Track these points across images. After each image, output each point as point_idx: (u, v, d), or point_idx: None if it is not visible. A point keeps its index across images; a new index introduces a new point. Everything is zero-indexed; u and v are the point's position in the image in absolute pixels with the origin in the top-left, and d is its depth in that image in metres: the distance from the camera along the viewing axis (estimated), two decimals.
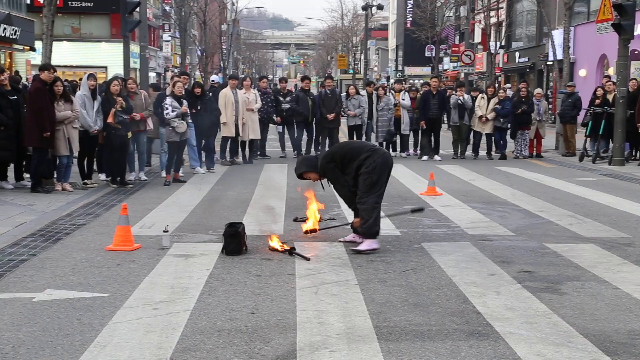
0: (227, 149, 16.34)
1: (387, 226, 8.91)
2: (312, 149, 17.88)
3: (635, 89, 16.88)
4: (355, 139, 17.71)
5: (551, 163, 17.20)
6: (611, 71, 28.46)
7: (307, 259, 7.02)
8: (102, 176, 13.06)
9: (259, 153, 17.65)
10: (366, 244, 7.43)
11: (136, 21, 18.78)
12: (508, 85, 40.51)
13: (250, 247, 7.45)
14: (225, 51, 60.93)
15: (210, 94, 15.76)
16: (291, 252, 7.23)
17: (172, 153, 12.99)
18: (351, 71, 69.89)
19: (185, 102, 13.08)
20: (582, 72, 34.52)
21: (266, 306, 5.49)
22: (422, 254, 7.35)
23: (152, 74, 44.99)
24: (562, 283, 6.22)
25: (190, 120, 13.52)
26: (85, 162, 12.44)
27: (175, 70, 47.26)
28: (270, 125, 18.35)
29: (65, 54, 36.78)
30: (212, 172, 14.69)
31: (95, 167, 13.14)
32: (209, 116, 14.66)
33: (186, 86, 14.67)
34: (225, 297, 5.73)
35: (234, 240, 7.25)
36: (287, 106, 17.56)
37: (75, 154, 11.95)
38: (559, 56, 24.77)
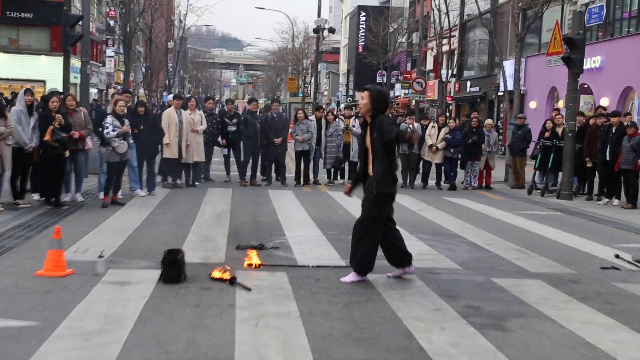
0: (169, 171, 16.19)
1: (332, 256, 8.92)
2: (258, 174, 17.85)
3: (584, 123, 17.35)
4: (302, 165, 17.75)
5: (500, 195, 17.49)
6: (561, 104, 29.24)
7: (249, 289, 6.97)
8: (36, 196, 12.78)
9: (202, 176, 17.54)
10: (353, 277, 7.48)
11: (78, 35, 18.57)
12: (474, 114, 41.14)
13: (190, 276, 7.36)
14: (171, 69, 60.61)
15: (156, 114, 15.65)
16: (232, 281, 7.17)
17: (112, 174, 12.82)
18: (301, 94, 70.21)
19: (127, 122, 12.95)
20: (532, 104, 35.35)
21: (203, 339, 5.41)
22: (367, 286, 7.37)
23: (93, 90, 44.42)
24: (507, 319, 6.30)
25: (131, 141, 13.38)
26: (18, 181, 12.17)
27: (118, 88, 46.77)
28: (216, 147, 18.27)
29: (2, 65, 36.08)
30: (152, 195, 14.53)
31: (28, 186, 12.86)
32: (152, 137, 14.52)
33: (129, 105, 14.53)
34: (161, 328, 5.64)
35: (173, 268, 7.17)
36: (233, 128, 17.53)
37: (8, 171, 11.69)
38: (510, 87, 25.32)
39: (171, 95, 22.03)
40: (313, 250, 9.31)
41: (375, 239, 7.49)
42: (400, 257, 7.71)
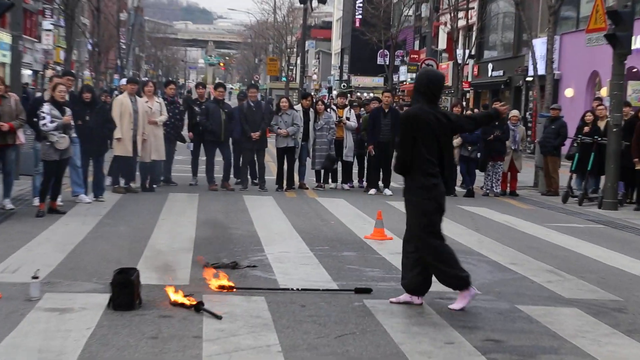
0: (122, 173, 16.18)
1: (320, 277, 8.94)
2: (232, 177, 17.86)
3: (632, 116, 17.42)
4: (286, 164, 17.77)
5: (528, 203, 17.55)
6: (603, 92, 29.40)
7: (219, 317, 6.97)
8: None
9: (162, 178, 17.52)
10: (461, 300, 7.65)
11: (7, 3, 18.49)
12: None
13: (146, 300, 7.36)
14: (124, 47, 60.60)
15: (106, 101, 15.66)
16: (198, 307, 7.17)
17: (49, 175, 12.79)
18: (284, 79, 70.38)
19: (69, 111, 12.93)
20: (568, 92, 35.53)
21: None
22: (364, 314, 7.38)
23: (26, 72, 44.33)
24: (536, 356, 6.32)
25: (74, 135, 13.35)
26: None
27: (58, 69, 46.71)
28: (179, 143, 18.23)
29: None
30: (100, 201, 14.51)
31: None
32: (100, 130, 14.51)
33: (71, 90, 14.50)
34: None
35: (125, 291, 7.16)
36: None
37: None
38: (541, 71, 25.40)
39: (124, 79, 21.98)
40: (298, 270, 9.31)
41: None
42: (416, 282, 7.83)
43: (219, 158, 17.66)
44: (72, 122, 13.09)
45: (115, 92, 31.10)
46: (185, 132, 18.23)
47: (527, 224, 14.14)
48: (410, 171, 7.66)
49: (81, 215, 12.90)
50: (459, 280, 7.67)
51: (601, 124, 17.73)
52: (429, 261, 7.65)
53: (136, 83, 16.66)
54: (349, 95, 45.94)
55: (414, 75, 49.43)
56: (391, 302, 7.80)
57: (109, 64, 64.63)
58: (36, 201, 13.26)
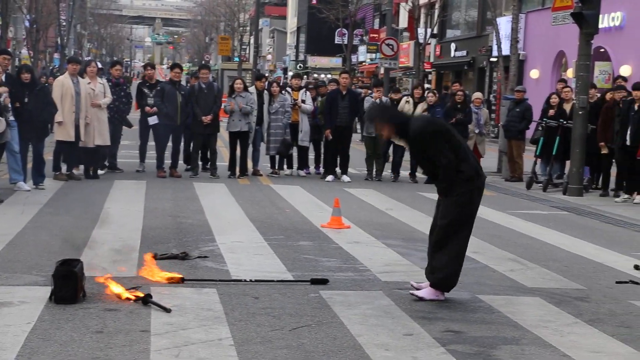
0: (63, 158, 16.08)
1: (275, 267, 9.00)
2: (181, 163, 17.81)
3: (599, 99, 17.62)
4: (239, 149, 17.74)
5: (491, 190, 17.72)
6: (570, 73, 29.69)
7: (167, 310, 7.00)
8: None
9: (107, 164, 17.44)
10: (430, 293, 7.77)
11: None
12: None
13: (90, 293, 7.36)
14: (64, 24, 59.88)
15: (46, 83, 15.54)
16: (146, 300, 7.19)
17: None
18: (237, 59, 70.07)
19: (4, 93, 12.81)
20: (533, 74, 35.79)
21: None
22: (320, 305, 7.46)
23: None
24: (497, 347, 6.45)
25: (11, 117, 13.25)
26: None
27: None
28: (125, 127, 18.13)
29: None
30: (40, 189, 14.41)
31: None
32: (40, 113, 14.40)
33: (8, 70, 14.37)
34: None
35: (68, 284, 7.15)
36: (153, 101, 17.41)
37: None
38: (505, 51, 25.62)
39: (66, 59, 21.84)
40: (251, 260, 9.36)
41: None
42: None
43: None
44: (9, 105, 12.98)
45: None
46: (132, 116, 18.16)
47: (490, 211, 14.27)
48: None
49: (20, 204, 12.81)
50: (451, 282, 7.86)
51: (567, 107, 17.92)
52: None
53: (78, 63, 16.51)
54: (305, 76, 45.90)
55: (373, 55, 49.56)
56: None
57: (49, 42, 63.74)
58: None
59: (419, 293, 7.82)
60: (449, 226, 7.77)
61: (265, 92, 18.32)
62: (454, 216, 7.78)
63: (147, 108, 17.35)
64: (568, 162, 17.50)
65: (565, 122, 17.42)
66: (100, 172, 16.74)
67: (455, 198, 7.78)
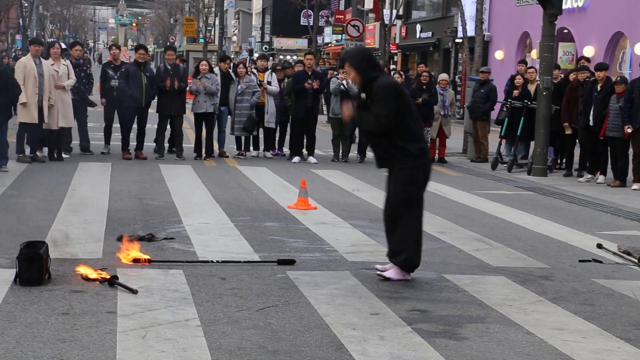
0: (26, 140, 15.97)
1: (242, 248, 9.02)
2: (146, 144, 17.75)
3: (562, 79, 17.76)
4: (204, 131, 17.69)
5: (457, 170, 17.84)
6: (534, 54, 29.89)
7: (134, 291, 7.00)
8: None
9: (80, 147, 17.34)
10: (397, 273, 7.84)
11: None
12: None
13: (56, 276, 7.34)
14: (26, 4, 59.27)
15: (8, 64, 15.40)
16: (112, 282, 7.19)
17: None
18: (202, 40, 69.69)
19: None
20: (498, 55, 35.98)
21: (74, 356, 5.44)
22: (287, 286, 7.49)
23: None
24: (462, 326, 6.52)
25: None
26: None
27: None
28: (90, 109, 18.01)
29: None
30: (4, 171, 14.31)
31: None
32: (3, 95, 14.28)
33: None
34: (17, 344, 5.64)
35: (33, 266, 7.13)
36: (117, 83, 17.29)
37: None
38: (470, 32, 25.69)
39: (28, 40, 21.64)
40: (218, 242, 9.37)
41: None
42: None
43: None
44: None
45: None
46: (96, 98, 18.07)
47: (455, 191, 14.39)
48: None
49: None
50: (413, 263, 7.91)
51: (531, 88, 18.05)
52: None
53: (40, 44, 16.37)
54: (271, 58, 45.80)
55: (339, 37, 49.53)
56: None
57: (10, 23, 63.09)
58: None
59: (386, 274, 7.86)
60: (399, 207, 7.85)
61: (231, 73, 18.29)
62: (402, 196, 7.84)
63: (103, 100, 17.38)
64: (532, 143, 17.62)
65: (529, 103, 17.55)
66: (65, 155, 16.63)
67: (398, 174, 7.85)
